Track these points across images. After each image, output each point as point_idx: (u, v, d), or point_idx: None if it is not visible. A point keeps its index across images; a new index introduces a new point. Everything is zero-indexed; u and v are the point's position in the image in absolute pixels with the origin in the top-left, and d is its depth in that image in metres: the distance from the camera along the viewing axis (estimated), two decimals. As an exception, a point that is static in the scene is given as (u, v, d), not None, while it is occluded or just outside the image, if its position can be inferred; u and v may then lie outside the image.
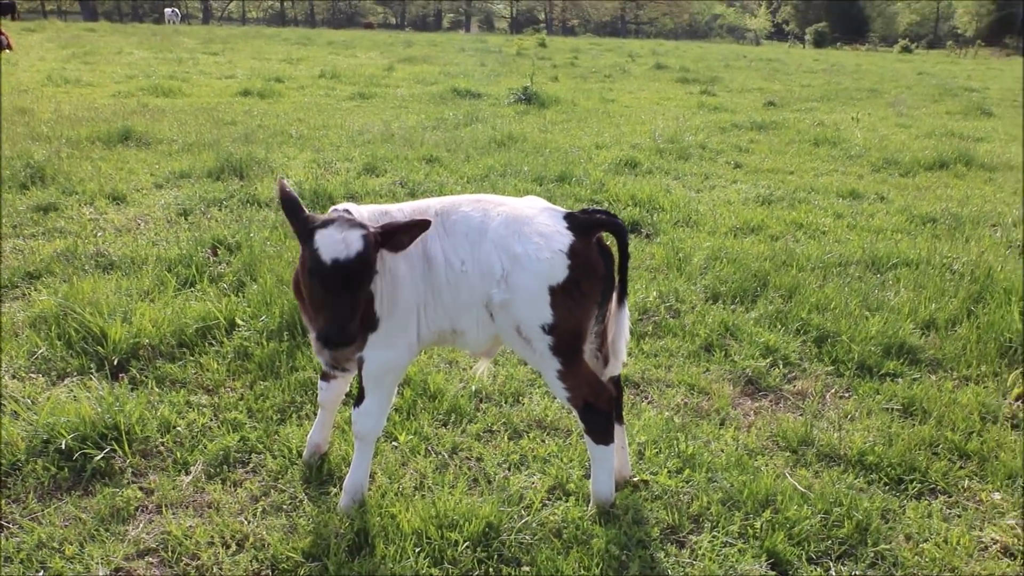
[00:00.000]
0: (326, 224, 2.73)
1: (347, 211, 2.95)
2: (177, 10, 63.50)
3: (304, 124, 12.18)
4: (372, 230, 2.77)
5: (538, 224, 2.99)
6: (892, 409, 4.23)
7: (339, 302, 2.69)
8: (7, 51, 22.20)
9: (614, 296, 3.15)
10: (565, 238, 2.98)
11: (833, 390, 4.47)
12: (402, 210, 3.14)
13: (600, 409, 3.13)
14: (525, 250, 2.93)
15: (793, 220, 7.59)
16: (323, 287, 2.69)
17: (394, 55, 28.18)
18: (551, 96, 16.04)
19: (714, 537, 3.17)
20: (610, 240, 3.18)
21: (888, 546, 3.16)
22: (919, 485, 3.59)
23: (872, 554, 3.12)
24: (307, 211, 2.83)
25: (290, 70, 21.11)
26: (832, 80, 25.11)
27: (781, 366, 4.67)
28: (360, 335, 2.95)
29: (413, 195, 8.11)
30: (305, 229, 2.74)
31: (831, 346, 4.88)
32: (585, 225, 3.04)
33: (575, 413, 3.18)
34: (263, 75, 18.98)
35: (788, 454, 3.81)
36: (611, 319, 3.18)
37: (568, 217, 3.06)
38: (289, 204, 2.82)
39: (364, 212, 3.07)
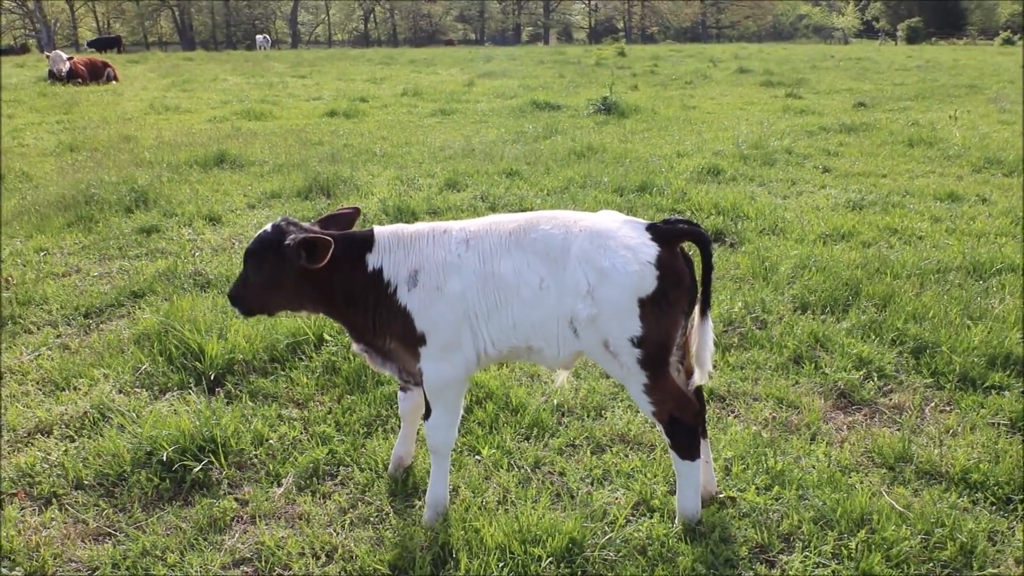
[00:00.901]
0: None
1: (370, 237, 3.21)
2: (268, 36, 66.25)
3: (387, 142, 12.48)
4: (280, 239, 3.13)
5: (622, 237, 2.99)
6: (998, 424, 4.00)
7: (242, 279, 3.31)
8: (114, 82, 23.65)
9: (697, 307, 3.11)
10: (651, 249, 2.97)
11: (933, 404, 4.26)
12: (465, 228, 3.17)
13: (686, 423, 3.09)
14: (612, 264, 2.92)
15: (887, 225, 7.28)
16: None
17: (474, 70, 28.58)
18: (631, 105, 15.93)
19: (806, 557, 3.06)
20: (692, 250, 3.14)
21: (996, 570, 2.99)
22: (1030, 505, 3.38)
23: (979, 579, 2.95)
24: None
25: (374, 90, 21.68)
26: (927, 77, 24.04)
27: (876, 379, 4.48)
28: (407, 349, 3.16)
29: (494, 209, 8.19)
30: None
31: (930, 357, 4.65)
32: (668, 235, 3.02)
33: (660, 427, 3.14)
34: (348, 96, 19.56)
35: (884, 471, 3.65)
36: (694, 330, 3.13)
37: (651, 228, 3.05)
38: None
39: (420, 230, 3.20)
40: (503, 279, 3.04)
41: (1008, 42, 54.58)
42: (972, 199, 8.36)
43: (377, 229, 3.24)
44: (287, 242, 3.10)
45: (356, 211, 3.47)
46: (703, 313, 3.09)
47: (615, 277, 2.92)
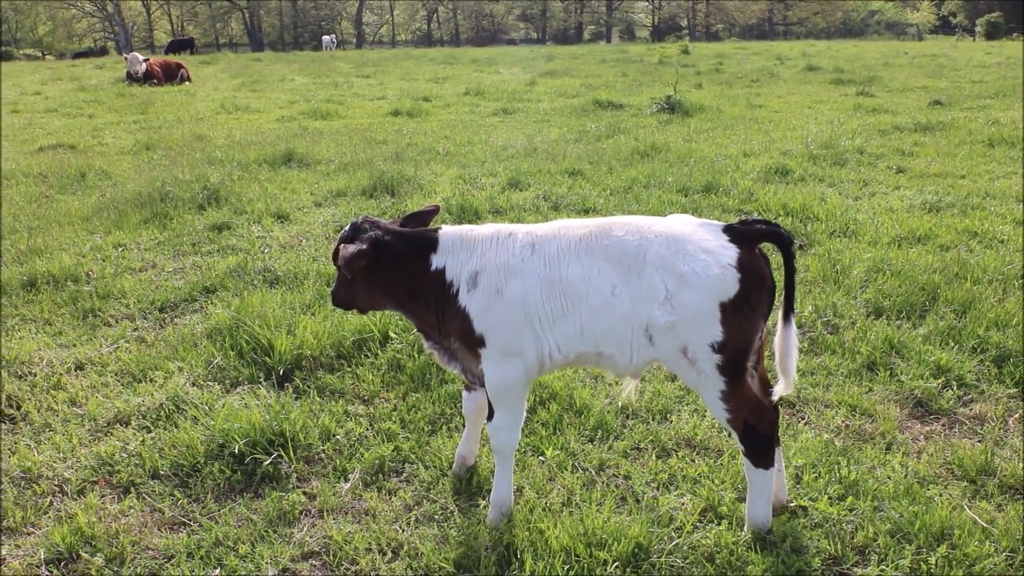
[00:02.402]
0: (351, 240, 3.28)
1: (436, 229, 3.29)
2: (334, 37, 67.47)
3: (450, 141, 12.57)
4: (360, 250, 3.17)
5: (700, 240, 2.93)
6: (1089, 438, 3.80)
7: (337, 288, 3.44)
8: (187, 83, 24.43)
9: (780, 313, 3.04)
10: (731, 251, 2.91)
11: (1017, 415, 4.07)
12: (531, 232, 3.15)
13: (762, 432, 3.02)
14: (692, 268, 2.87)
15: (966, 228, 7.00)
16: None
17: (536, 69, 28.58)
18: (695, 104, 15.69)
19: (882, 571, 2.96)
20: (770, 251, 3.07)
21: (1089, 594, 2.84)
22: (1125, 526, 3.20)
23: (1069, 601, 2.81)
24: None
25: (436, 89, 21.88)
26: (1008, 74, 23.03)
27: (955, 387, 4.31)
28: (469, 350, 3.18)
29: (556, 208, 8.17)
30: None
31: (1013, 367, 4.45)
32: (747, 236, 2.96)
33: (735, 435, 3.07)
34: (411, 95, 19.78)
35: (965, 484, 3.51)
36: (778, 336, 3.06)
37: (728, 230, 2.98)
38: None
39: (486, 233, 3.20)
40: (571, 285, 3.00)
41: (1095, 36, 51.89)
42: (1058, 201, 7.97)
43: (443, 230, 3.27)
44: (336, 245, 3.25)
45: (436, 209, 3.53)
46: (786, 318, 3.01)
47: (695, 282, 2.86)
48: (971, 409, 4.13)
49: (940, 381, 4.33)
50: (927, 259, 6.13)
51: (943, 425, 4.03)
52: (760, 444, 3.02)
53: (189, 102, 19.35)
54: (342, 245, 3.20)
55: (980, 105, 15.80)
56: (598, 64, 31.04)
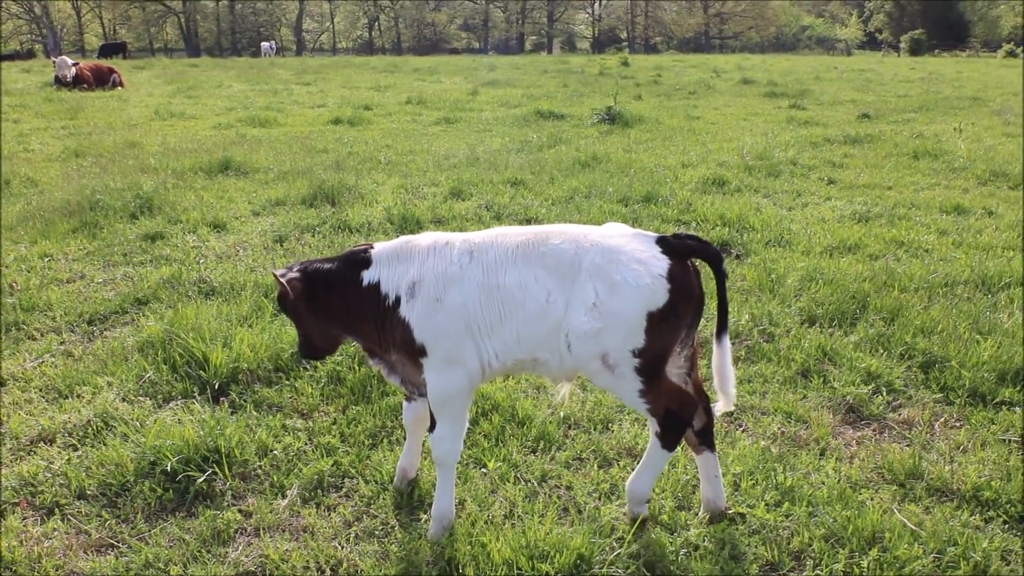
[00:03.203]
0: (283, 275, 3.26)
1: (368, 247, 3.29)
2: (273, 43, 66.49)
3: (392, 150, 12.48)
4: (290, 279, 3.22)
5: (633, 251, 2.98)
6: (1009, 441, 3.96)
7: (302, 338, 3.45)
8: (120, 88, 23.71)
9: (714, 332, 3.12)
10: (663, 263, 2.97)
11: (942, 419, 4.22)
12: (468, 240, 3.15)
13: (683, 417, 3.11)
14: (624, 277, 2.91)
15: (893, 238, 7.26)
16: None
17: (477, 79, 28.65)
18: (635, 115, 15.93)
19: (817, 575, 3.02)
20: (702, 267, 3.12)
21: (1010, 591, 2.95)
22: (1043, 524, 3.34)
23: (992, 599, 2.91)
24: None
25: (378, 97, 21.72)
26: (931, 89, 24.06)
27: (884, 393, 4.45)
28: (410, 360, 3.17)
29: (499, 218, 8.18)
30: None
31: (939, 372, 4.61)
32: (679, 249, 3.03)
33: (653, 421, 3.13)
34: (353, 103, 19.59)
35: (895, 488, 3.61)
36: (714, 356, 3.14)
37: (660, 241, 3.04)
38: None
39: (430, 241, 3.19)
40: (508, 292, 3.02)
41: (1011, 55, 54.64)
42: (978, 212, 8.34)
43: (376, 246, 3.27)
44: (287, 288, 3.25)
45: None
46: (719, 337, 3.08)
47: (626, 290, 2.90)
48: (900, 414, 4.27)
49: (871, 387, 4.47)
50: (857, 268, 6.33)
51: (874, 430, 4.16)
52: (677, 428, 3.11)
53: (121, 108, 18.78)
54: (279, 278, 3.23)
55: (905, 119, 16.46)
56: (540, 74, 31.28)
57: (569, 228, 3.12)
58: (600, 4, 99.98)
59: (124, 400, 4.44)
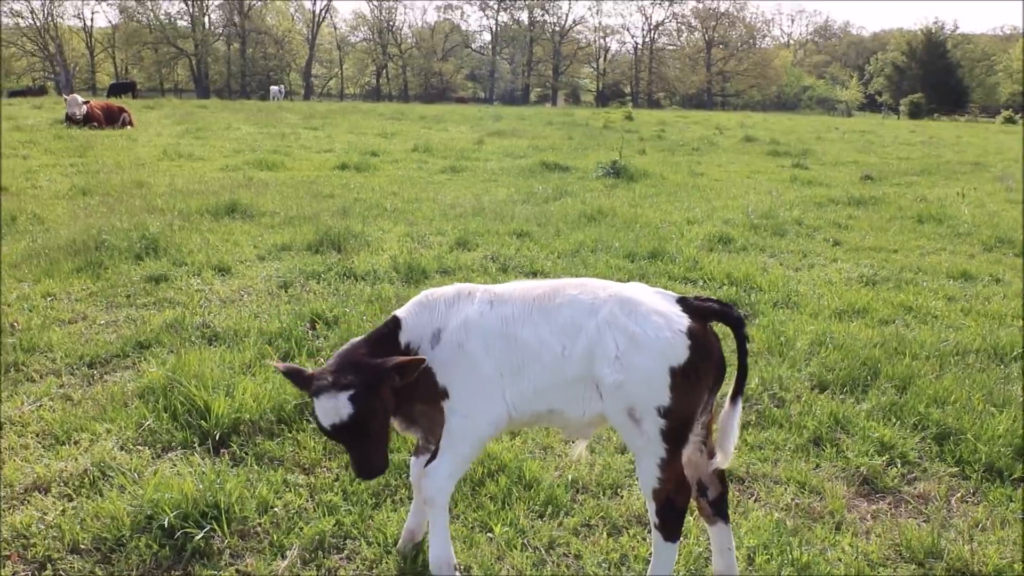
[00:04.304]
0: (318, 392, 2.92)
1: (394, 320, 3.16)
2: (282, 87, 67.48)
3: (398, 197, 12.53)
4: (364, 382, 2.90)
5: (654, 304, 2.98)
6: (1029, 519, 3.86)
7: (356, 452, 3.01)
8: (129, 127, 23.95)
9: (730, 391, 3.05)
10: (683, 319, 2.95)
11: (959, 494, 4.13)
12: (489, 291, 3.17)
13: (679, 507, 3.04)
14: (643, 330, 2.89)
15: (901, 303, 7.23)
16: (338, 443, 3.05)
17: (483, 129, 28.98)
18: (639, 169, 16.06)
19: (837, 661, 2.90)
20: (721, 331, 3.08)
21: None
22: (1068, 611, 3.23)
23: None
24: (308, 372, 3.03)
25: (385, 144, 21.93)
26: (932, 153, 24.35)
27: (899, 465, 4.36)
28: (432, 406, 3.10)
29: (504, 270, 8.15)
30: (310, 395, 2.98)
31: (954, 445, 4.53)
32: (699, 311, 3.02)
33: (652, 506, 3.04)
34: (359, 149, 19.77)
35: (914, 567, 3.51)
36: (723, 414, 3.07)
37: (681, 301, 3.04)
38: (293, 377, 3.04)
39: (446, 293, 3.20)
40: (525, 343, 3.01)
41: (1010, 121, 55.50)
42: (985, 279, 8.33)
43: (401, 311, 3.22)
44: (363, 395, 2.93)
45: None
46: (734, 398, 3.03)
47: (645, 343, 2.88)
48: (915, 488, 4.17)
49: (885, 458, 4.38)
50: (867, 333, 6.28)
51: (889, 503, 4.06)
52: (675, 518, 3.04)
53: (130, 147, 18.93)
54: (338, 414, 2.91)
55: (908, 181, 16.60)
56: (544, 126, 31.67)
57: (589, 281, 3.14)
58: (605, 59, 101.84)
59: (122, 448, 4.34)
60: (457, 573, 3.11)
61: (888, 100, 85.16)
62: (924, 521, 3.87)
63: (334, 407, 2.88)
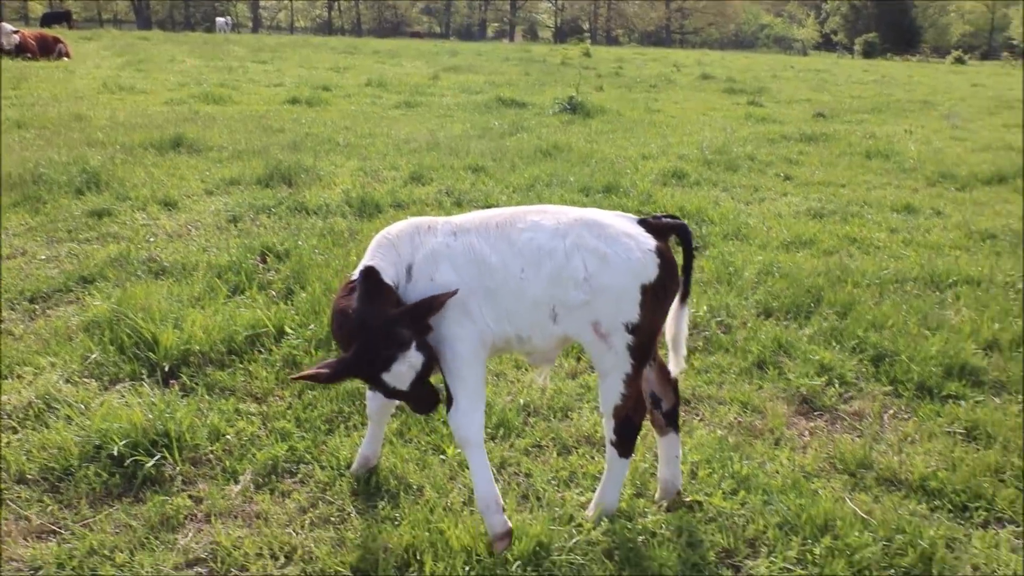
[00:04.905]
0: (388, 364, 2.81)
1: (371, 271, 2.94)
2: (229, 19, 64.86)
3: (351, 132, 12.28)
4: (413, 328, 2.84)
5: (621, 227, 3.03)
6: (955, 433, 4.07)
7: (421, 392, 2.94)
8: (66, 59, 22.88)
9: (678, 296, 3.17)
10: (651, 239, 3.02)
11: (892, 411, 4.32)
12: (450, 222, 3.12)
13: (636, 424, 3.15)
14: (615, 251, 2.95)
15: (846, 235, 7.40)
16: (408, 396, 2.95)
17: (439, 64, 28.37)
18: (596, 106, 15.96)
19: (771, 563, 3.06)
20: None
21: (955, 578, 3.03)
22: (985, 513, 3.44)
23: (939, 587, 2.99)
24: (333, 364, 2.86)
25: (337, 79, 21.36)
26: (883, 91, 24.62)
27: (837, 385, 4.53)
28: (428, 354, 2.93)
29: (459, 204, 8.11)
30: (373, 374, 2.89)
31: (889, 366, 4.72)
32: (660, 229, 3.09)
33: (610, 424, 3.14)
34: (311, 83, 19.23)
35: (846, 477, 3.68)
36: (672, 316, 3.19)
37: (642, 222, 3.10)
38: (326, 376, 2.86)
39: (404, 229, 3.07)
40: (494, 269, 3.00)
41: (959, 61, 56.18)
42: (927, 211, 8.55)
43: (368, 259, 3.03)
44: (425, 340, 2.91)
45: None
46: (683, 301, 3.15)
47: (618, 263, 2.93)
48: (851, 406, 4.35)
49: (824, 379, 4.55)
50: (812, 263, 6.44)
51: (826, 421, 4.23)
52: (632, 435, 3.16)
53: (68, 79, 18.12)
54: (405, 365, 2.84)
55: (859, 119, 16.80)
56: (501, 62, 31.13)
57: (549, 207, 3.14)
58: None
59: (68, 382, 4.28)
60: (504, 512, 3.05)
61: (843, 39, 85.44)
62: (858, 436, 4.05)
63: (409, 366, 2.82)
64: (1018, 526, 3.39)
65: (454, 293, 2.88)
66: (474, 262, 3.01)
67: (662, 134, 13.39)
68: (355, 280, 2.98)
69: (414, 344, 2.82)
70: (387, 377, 2.83)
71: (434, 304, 2.86)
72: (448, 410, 3.07)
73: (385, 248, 3.06)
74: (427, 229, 3.11)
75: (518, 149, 11.08)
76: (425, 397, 2.98)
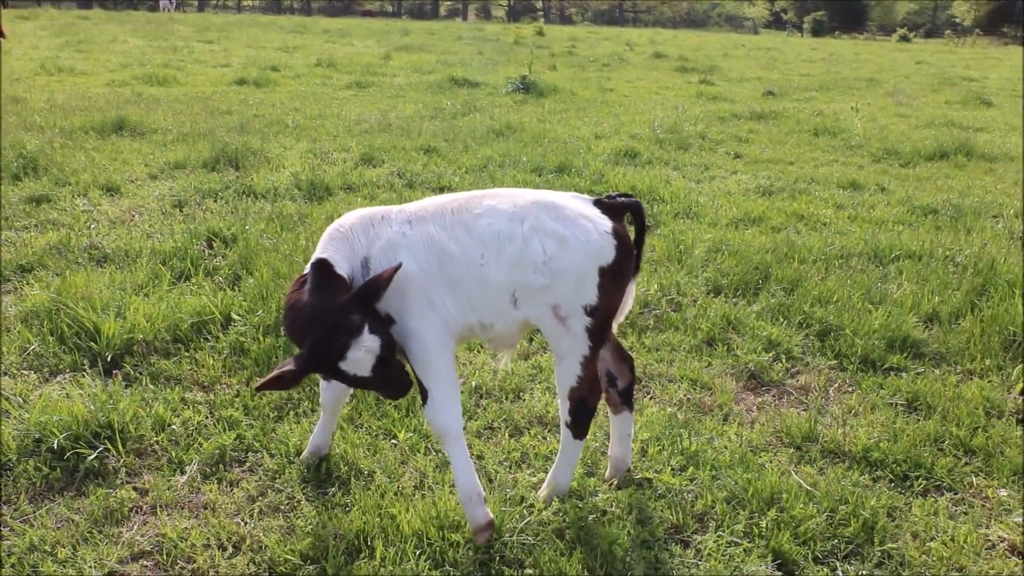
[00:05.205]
0: (342, 352, 2.72)
1: (322, 263, 2.87)
2: (173, -3, 62.88)
3: (300, 114, 12.07)
4: (364, 312, 2.77)
5: (578, 208, 3.01)
6: (896, 404, 4.18)
7: (387, 376, 2.86)
8: (0, 39, 21.99)
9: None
10: (606, 221, 3.01)
11: (836, 385, 4.42)
12: (404, 210, 3.05)
13: (591, 406, 3.15)
14: (573, 233, 2.92)
15: (794, 211, 7.52)
16: (372, 383, 2.87)
17: (391, 43, 27.99)
18: (549, 85, 15.92)
19: (719, 537, 3.11)
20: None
21: (895, 545, 3.12)
22: (925, 482, 3.55)
23: (879, 553, 3.08)
24: (291, 363, 2.74)
25: (286, 59, 20.94)
26: (831, 69, 25.00)
27: (784, 360, 4.62)
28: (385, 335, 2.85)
29: (411, 186, 8.03)
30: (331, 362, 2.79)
31: (834, 340, 4.82)
32: (615, 208, 3.09)
33: (566, 405, 3.13)
34: (259, 64, 18.83)
35: (792, 450, 3.76)
36: None
37: (597, 203, 3.09)
38: (285, 380, 2.76)
39: (357, 221, 3.01)
40: (453, 257, 2.93)
41: (904, 39, 57.33)
42: (872, 188, 8.73)
43: (320, 252, 2.94)
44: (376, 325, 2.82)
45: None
46: (633, 275, 3.17)
47: (576, 246, 2.91)
48: (797, 380, 4.44)
49: (771, 355, 4.63)
50: (761, 240, 6.53)
51: (773, 396, 4.31)
52: (586, 417, 3.16)
53: (3, 60, 17.44)
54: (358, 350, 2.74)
55: (807, 97, 17.06)
56: (454, 41, 30.84)
57: (503, 190, 3.10)
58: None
59: (6, 374, 4.15)
60: (486, 504, 3.00)
61: (792, 18, 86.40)
62: (804, 410, 4.14)
63: (366, 350, 2.73)
64: (956, 493, 3.50)
65: (398, 267, 2.81)
66: (433, 251, 2.94)
67: (614, 113, 13.42)
68: (306, 274, 2.92)
69: (366, 327, 2.74)
70: (345, 366, 2.75)
71: (380, 282, 2.78)
72: (423, 403, 3.03)
73: (338, 241, 2.98)
74: (380, 219, 3.03)
75: (471, 129, 11.01)
76: (393, 381, 2.91)
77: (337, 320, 2.73)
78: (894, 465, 3.63)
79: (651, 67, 23.31)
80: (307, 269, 2.93)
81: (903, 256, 6.21)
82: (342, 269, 2.90)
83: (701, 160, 9.88)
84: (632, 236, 3.14)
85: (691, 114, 13.46)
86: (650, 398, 4.23)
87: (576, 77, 19.18)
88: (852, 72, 24.19)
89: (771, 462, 3.64)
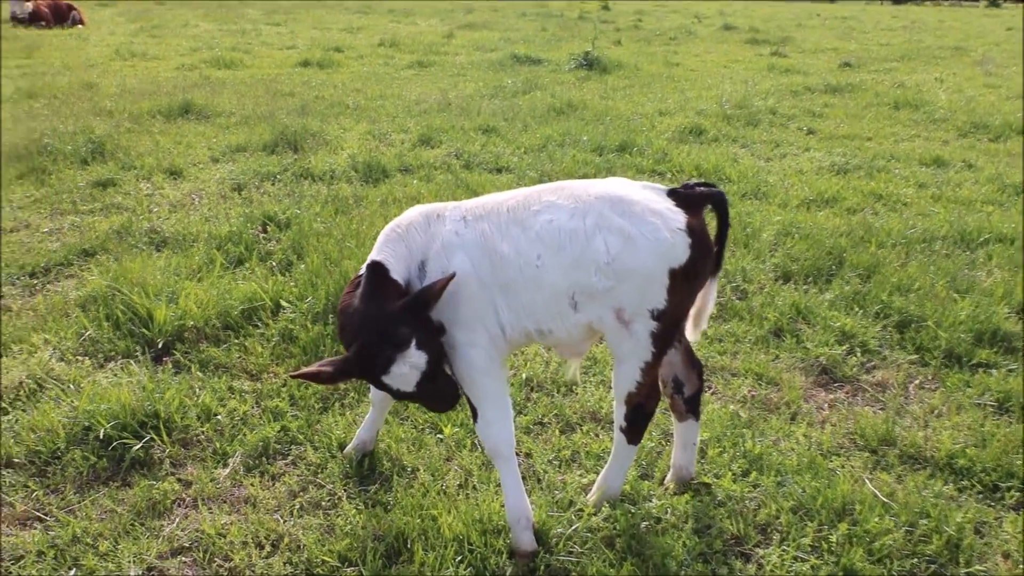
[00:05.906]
0: (386, 367, 2.61)
1: (377, 266, 2.73)
2: (242, -19, 63.95)
3: (361, 94, 12.02)
4: (413, 324, 2.62)
5: (647, 202, 2.72)
6: (985, 405, 3.84)
7: (434, 389, 2.72)
8: (80, 26, 22.70)
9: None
10: (680, 216, 2.72)
11: (917, 381, 4.08)
12: (459, 207, 2.87)
13: (648, 412, 2.93)
14: (640, 230, 2.65)
15: (872, 191, 7.07)
16: (419, 396, 2.75)
17: (454, 21, 27.80)
18: (613, 61, 15.49)
19: (784, 551, 2.88)
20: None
21: (983, 567, 2.83)
22: (1018, 494, 3.22)
23: (964, 575, 2.79)
24: (334, 363, 2.64)
25: (350, 39, 20.97)
26: (912, 38, 23.69)
27: (859, 354, 4.30)
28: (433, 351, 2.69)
29: (468, 167, 7.87)
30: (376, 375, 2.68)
31: (915, 332, 4.46)
32: (692, 200, 2.79)
33: (621, 410, 2.91)
34: (323, 45, 18.89)
35: (867, 455, 3.48)
36: (700, 291, 2.94)
37: (672, 194, 2.81)
38: (324, 376, 2.65)
39: (415, 219, 2.84)
40: (507, 259, 2.73)
41: (993, 4, 54.09)
42: (958, 165, 8.16)
43: (376, 253, 2.81)
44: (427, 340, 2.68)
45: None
46: (713, 274, 2.91)
47: (643, 245, 2.65)
48: (873, 376, 4.13)
49: (844, 347, 4.32)
50: (834, 222, 6.14)
51: (847, 393, 4.01)
52: (643, 423, 2.94)
53: (81, 47, 17.96)
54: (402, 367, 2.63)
55: (887, 68, 16.16)
56: (518, 18, 30.43)
57: (567, 184, 2.84)
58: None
59: (62, 360, 4.18)
60: (532, 528, 2.88)
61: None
62: (880, 409, 3.83)
63: (411, 366, 2.60)
64: (1051, 505, 3.17)
65: (451, 277, 2.63)
66: (486, 253, 2.75)
67: (680, 89, 12.95)
68: (361, 275, 2.78)
69: (414, 342, 2.59)
70: (388, 380, 2.63)
71: (432, 293, 2.61)
72: (474, 422, 2.88)
73: (394, 242, 2.82)
74: (437, 218, 2.86)
75: (531, 108, 10.76)
76: (439, 395, 2.77)
77: (384, 331, 2.60)
78: (982, 474, 3.31)
79: (720, 39, 22.49)
80: (362, 270, 2.80)
81: (993, 240, 5.74)
82: (397, 273, 2.76)
83: (771, 137, 9.41)
84: (713, 231, 2.86)
85: (761, 88, 12.89)
86: (712, 393, 3.98)
87: (641, 52, 18.64)
88: (936, 40, 22.87)
89: (843, 468, 3.36)
